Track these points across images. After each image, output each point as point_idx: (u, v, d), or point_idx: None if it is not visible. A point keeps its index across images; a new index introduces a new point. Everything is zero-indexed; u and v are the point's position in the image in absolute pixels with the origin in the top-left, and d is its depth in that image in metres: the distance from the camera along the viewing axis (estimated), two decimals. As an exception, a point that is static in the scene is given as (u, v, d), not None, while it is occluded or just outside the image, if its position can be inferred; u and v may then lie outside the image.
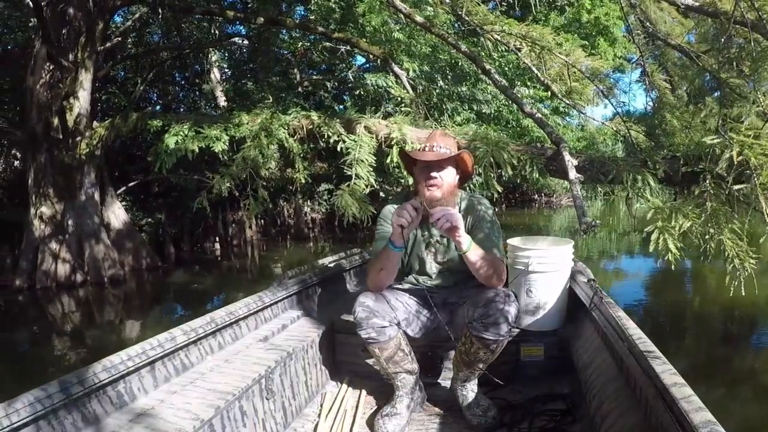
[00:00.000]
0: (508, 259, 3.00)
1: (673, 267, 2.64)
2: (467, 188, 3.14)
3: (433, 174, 2.41)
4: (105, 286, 9.50)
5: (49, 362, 5.82)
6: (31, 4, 8.79)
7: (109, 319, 7.83)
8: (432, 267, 2.65)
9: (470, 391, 2.48)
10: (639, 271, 9.72)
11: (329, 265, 3.65)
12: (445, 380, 2.82)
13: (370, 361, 2.90)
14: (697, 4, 3.63)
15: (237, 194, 6.89)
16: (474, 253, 2.27)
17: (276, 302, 2.94)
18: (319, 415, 2.59)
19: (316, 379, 2.82)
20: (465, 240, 2.23)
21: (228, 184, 5.19)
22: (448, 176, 2.46)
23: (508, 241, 3.07)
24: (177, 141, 5.59)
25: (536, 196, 29.85)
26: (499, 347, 2.31)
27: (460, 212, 2.50)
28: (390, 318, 2.38)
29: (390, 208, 2.61)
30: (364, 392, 2.77)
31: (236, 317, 2.56)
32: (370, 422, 2.50)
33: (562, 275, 2.85)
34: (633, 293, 7.85)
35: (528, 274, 2.82)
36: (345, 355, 3.00)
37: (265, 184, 6.10)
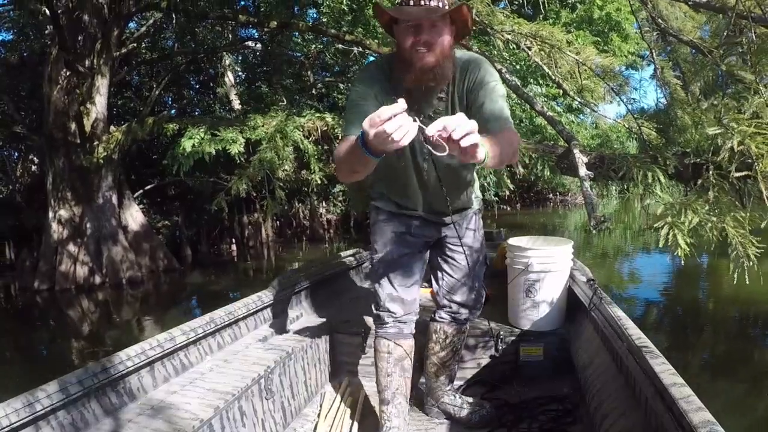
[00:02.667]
0: (507, 259, 2.99)
1: (682, 262, 2.65)
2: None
3: (424, 37, 1.76)
4: (123, 287, 9.64)
5: (68, 362, 5.93)
6: (47, 11, 8.94)
7: (128, 320, 7.96)
8: (426, 185, 2.13)
9: (455, 399, 2.47)
10: (655, 268, 9.68)
11: (329, 265, 3.63)
12: None
13: (369, 361, 2.85)
14: (704, 0, 3.66)
15: (254, 195, 6.95)
16: (493, 156, 1.48)
17: (275, 302, 2.92)
18: (318, 415, 2.59)
19: (316, 379, 2.81)
20: (481, 149, 1.36)
21: (245, 186, 5.26)
22: (443, 37, 1.80)
23: (509, 241, 3.06)
24: (194, 144, 5.68)
25: (551, 195, 29.65)
26: (466, 328, 2.44)
27: (455, 78, 1.92)
28: (415, 310, 2.29)
29: (372, 76, 1.97)
30: (363, 392, 2.75)
31: (235, 317, 2.55)
32: (370, 422, 2.47)
33: (562, 275, 2.83)
34: (648, 290, 7.82)
35: (527, 274, 2.80)
36: (344, 355, 2.99)
37: (281, 185, 6.19)
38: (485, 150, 1.40)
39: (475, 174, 2.31)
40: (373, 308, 2.29)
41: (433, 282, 2.42)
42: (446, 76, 1.85)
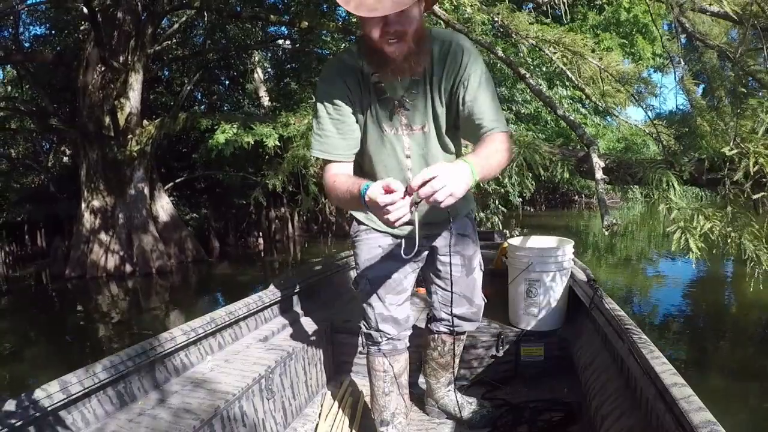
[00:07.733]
0: (508, 258, 3.00)
1: (693, 266, 2.72)
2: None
3: (393, 27, 1.49)
4: (153, 276, 9.93)
5: (97, 347, 6.18)
6: (85, 9, 9.22)
7: (157, 308, 8.22)
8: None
9: (455, 399, 2.41)
10: (677, 272, 9.64)
11: (330, 265, 3.60)
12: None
13: None
14: (722, 11, 3.70)
15: (289, 189, 7.07)
16: (482, 176, 1.46)
17: (276, 302, 2.91)
18: (319, 415, 2.57)
19: (316, 379, 2.80)
20: (469, 177, 1.38)
21: (279, 181, 5.43)
22: (413, 19, 1.51)
23: (509, 240, 3.07)
24: (227, 138, 5.88)
25: (576, 197, 29.51)
26: (464, 335, 2.36)
27: (432, 59, 1.70)
28: (409, 326, 2.17)
29: (339, 73, 1.76)
30: (364, 392, 2.71)
31: (236, 317, 2.55)
32: (370, 422, 2.37)
33: (563, 275, 2.81)
34: (669, 294, 7.80)
35: (528, 274, 2.78)
36: (345, 355, 2.99)
37: (315, 180, 6.35)
38: (470, 170, 1.39)
39: None
40: (363, 327, 2.15)
41: (428, 294, 2.28)
42: (422, 62, 1.65)
